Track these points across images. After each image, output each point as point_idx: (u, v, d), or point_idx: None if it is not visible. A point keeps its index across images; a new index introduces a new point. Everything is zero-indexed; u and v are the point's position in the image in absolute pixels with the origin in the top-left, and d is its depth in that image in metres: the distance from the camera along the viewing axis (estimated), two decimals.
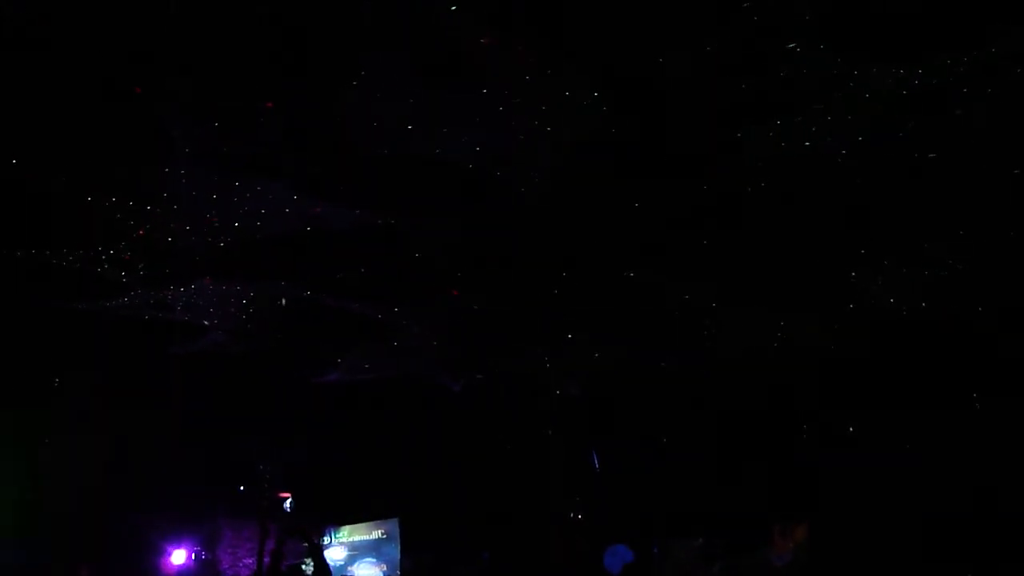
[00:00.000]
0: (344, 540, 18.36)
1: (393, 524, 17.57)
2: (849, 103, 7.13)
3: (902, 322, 10.56)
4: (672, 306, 10.57)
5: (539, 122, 7.20)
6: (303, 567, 16.48)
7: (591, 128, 7.34)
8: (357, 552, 17.99)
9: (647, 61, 6.66)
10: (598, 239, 9.29)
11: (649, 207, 8.61)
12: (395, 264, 10.18)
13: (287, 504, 17.72)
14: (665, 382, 12.98)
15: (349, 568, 17.77)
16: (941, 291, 9.86)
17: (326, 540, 18.39)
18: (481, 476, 15.46)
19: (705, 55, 6.73)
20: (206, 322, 11.43)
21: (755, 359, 11.75)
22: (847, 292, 10.14)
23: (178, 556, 16.63)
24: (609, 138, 7.51)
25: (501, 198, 8.50)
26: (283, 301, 10.75)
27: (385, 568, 17.39)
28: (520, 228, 9.12)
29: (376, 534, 17.96)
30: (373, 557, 17.73)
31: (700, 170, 8.12)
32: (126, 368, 13.55)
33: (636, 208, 8.62)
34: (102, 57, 7.06)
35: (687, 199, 8.47)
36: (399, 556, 17.11)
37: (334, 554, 18.15)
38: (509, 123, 7.22)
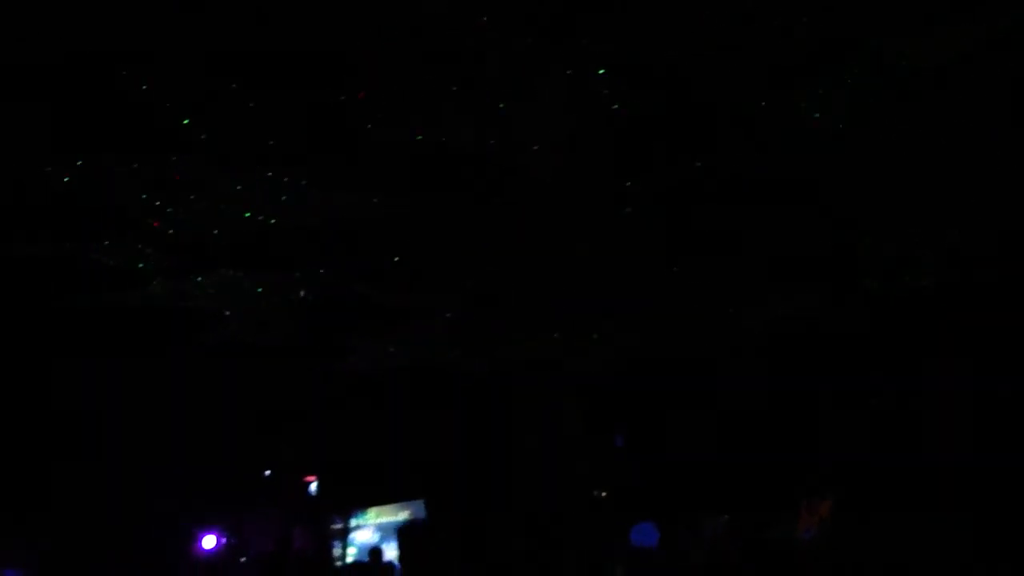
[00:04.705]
0: (371, 522, 18.47)
1: (419, 506, 17.66)
2: (860, 74, 7.03)
3: (922, 296, 10.47)
4: (689, 285, 10.52)
5: (547, 104, 7.16)
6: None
7: (601, 107, 7.28)
8: (384, 534, 18.08)
9: (654, 41, 6.59)
10: (612, 220, 9.24)
11: (662, 187, 8.56)
12: (413, 251, 10.19)
13: (312, 488, 17.86)
14: (686, 361, 12.95)
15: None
16: (957, 264, 9.77)
17: (352, 523, 18.50)
18: (506, 458, 15.51)
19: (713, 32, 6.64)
20: (228, 312, 11.48)
21: (776, 335, 11.70)
22: (865, 266, 10.05)
23: (208, 541, 16.84)
24: (620, 117, 7.45)
25: (514, 182, 8.47)
26: (302, 292, 10.78)
27: None
28: (535, 212, 9.09)
29: (402, 516, 18.05)
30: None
31: (711, 148, 8.05)
32: (153, 358, 13.68)
33: (649, 188, 8.57)
34: (117, 47, 7.06)
35: (699, 178, 8.41)
36: None
37: (361, 536, 18.26)
38: (518, 106, 7.18)
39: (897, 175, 8.72)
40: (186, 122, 7.41)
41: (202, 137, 7.60)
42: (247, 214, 8.72)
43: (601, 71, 6.74)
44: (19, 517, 14.86)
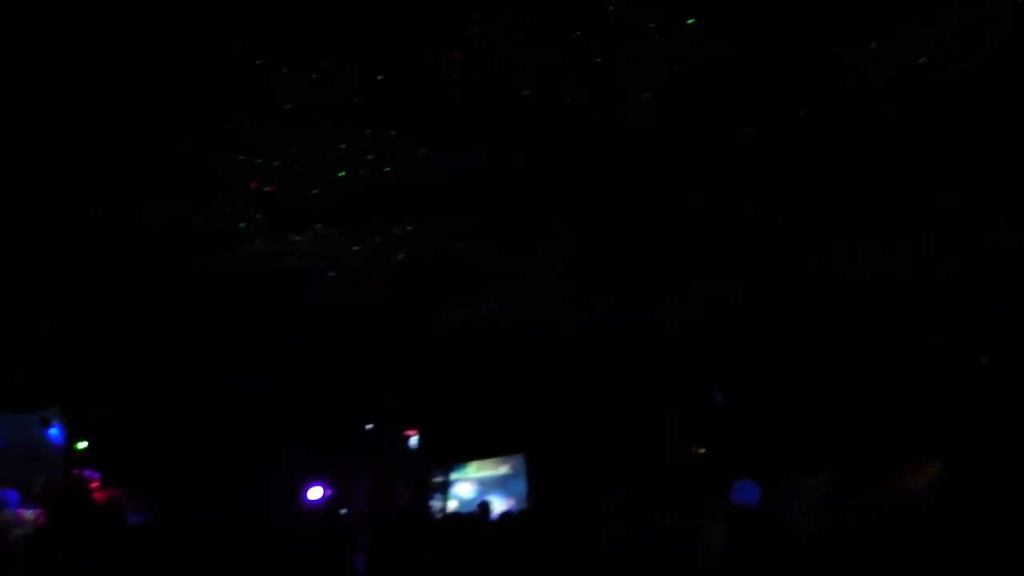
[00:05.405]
0: (471, 476, 18.71)
1: (519, 460, 17.80)
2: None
3: None
4: (789, 238, 10.24)
5: (644, 56, 6.99)
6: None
7: (699, 58, 7.09)
8: (485, 488, 18.29)
9: None
10: (711, 174, 9.04)
11: (761, 138, 8.32)
12: (510, 208, 10.16)
13: (412, 441, 18.14)
14: (785, 316, 12.66)
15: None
16: None
17: (452, 477, 18.74)
18: (603, 412, 15.48)
19: None
20: (332, 273, 11.63)
21: (878, 290, 11.34)
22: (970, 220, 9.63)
23: (314, 493, 17.28)
24: (717, 67, 7.25)
25: (611, 136, 8.34)
26: (399, 249, 10.85)
27: (513, 503, 17.63)
28: (631, 166, 8.94)
29: (503, 470, 18.24)
30: (501, 492, 17.99)
31: (812, 95, 7.78)
32: (260, 320, 14.05)
33: (748, 139, 8.33)
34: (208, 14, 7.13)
35: (799, 128, 8.14)
36: (526, 491, 17.34)
37: (462, 490, 18.51)
38: (614, 59, 7.04)
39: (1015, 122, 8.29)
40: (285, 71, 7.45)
41: (304, 95, 7.67)
42: (342, 173, 8.78)
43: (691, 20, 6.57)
44: (142, 469, 15.55)
